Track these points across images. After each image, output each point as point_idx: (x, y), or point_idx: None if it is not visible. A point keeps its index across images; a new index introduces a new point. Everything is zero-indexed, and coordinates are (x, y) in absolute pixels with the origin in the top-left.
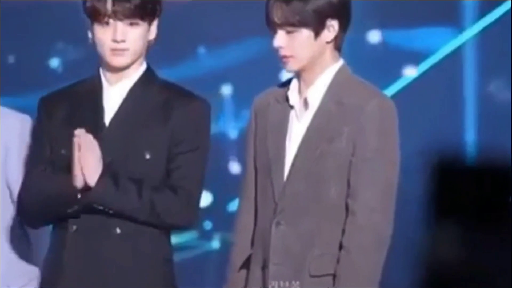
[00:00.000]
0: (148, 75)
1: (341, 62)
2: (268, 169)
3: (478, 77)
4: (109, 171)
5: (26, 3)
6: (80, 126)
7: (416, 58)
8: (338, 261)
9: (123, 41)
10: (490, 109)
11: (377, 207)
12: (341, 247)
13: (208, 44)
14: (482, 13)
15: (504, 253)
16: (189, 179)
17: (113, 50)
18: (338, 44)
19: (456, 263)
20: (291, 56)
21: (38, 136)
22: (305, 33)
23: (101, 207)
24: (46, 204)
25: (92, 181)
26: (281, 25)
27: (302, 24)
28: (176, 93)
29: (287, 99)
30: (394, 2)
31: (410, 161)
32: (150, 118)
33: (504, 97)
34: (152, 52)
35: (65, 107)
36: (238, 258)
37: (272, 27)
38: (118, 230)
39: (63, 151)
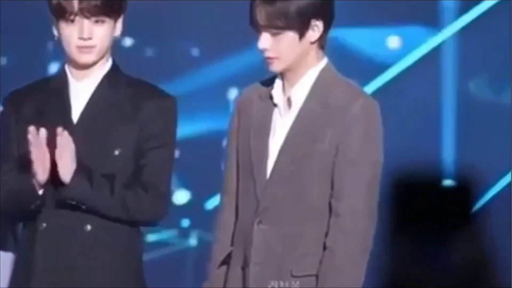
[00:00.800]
0: (114, 71)
1: (325, 61)
2: (251, 167)
3: (456, 77)
4: (82, 167)
5: None
6: (48, 123)
7: (393, 57)
8: (321, 262)
9: (90, 38)
10: (468, 109)
11: (361, 208)
12: (324, 248)
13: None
14: (460, 13)
15: (464, 268)
16: (159, 175)
17: (80, 47)
18: (322, 43)
19: (416, 276)
20: (276, 58)
21: (4, 133)
22: (290, 35)
23: (74, 203)
24: (11, 203)
25: (67, 178)
26: (266, 27)
27: (287, 26)
28: (143, 89)
29: (270, 97)
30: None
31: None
32: (118, 114)
33: (483, 97)
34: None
35: (32, 104)
36: (219, 254)
37: (256, 29)
38: (88, 227)
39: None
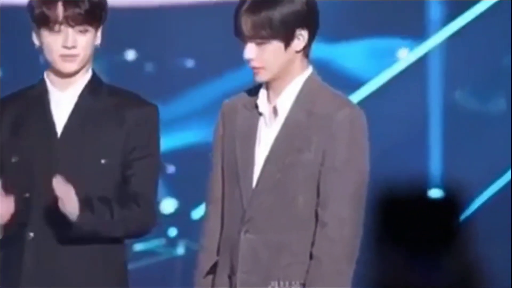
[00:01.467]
0: (95, 80)
1: (310, 70)
2: (236, 176)
3: (443, 86)
4: (82, 200)
5: None
6: (31, 135)
7: (379, 66)
8: (307, 271)
9: (74, 47)
10: (455, 118)
11: (347, 217)
12: (311, 257)
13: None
14: (446, 22)
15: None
16: (148, 185)
17: (64, 56)
18: (307, 52)
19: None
20: (262, 67)
21: None
22: (275, 45)
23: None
24: None
25: (74, 216)
26: (251, 37)
27: (272, 36)
28: (125, 98)
29: (256, 106)
30: (357, 11)
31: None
32: (102, 124)
33: (470, 106)
34: None
35: (13, 115)
36: (205, 263)
37: (241, 39)
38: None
39: (13, 160)
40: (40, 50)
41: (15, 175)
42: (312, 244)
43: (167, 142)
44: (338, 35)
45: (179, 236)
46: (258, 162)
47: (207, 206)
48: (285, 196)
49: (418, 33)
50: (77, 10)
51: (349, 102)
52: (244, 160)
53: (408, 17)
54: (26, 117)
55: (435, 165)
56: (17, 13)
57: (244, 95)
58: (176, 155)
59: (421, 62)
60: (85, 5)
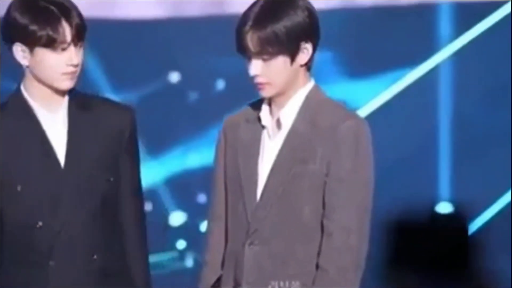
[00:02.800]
0: (74, 94)
1: (312, 82)
2: (240, 190)
3: (452, 100)
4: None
5: None
6: (32, 163)
7: (391, 78)
8: (314, 281)
9: (78, 64)
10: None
11: (353, 227)
12: (317, 267)
13: None
14: (458, 34)
15: None
16: (139, 181)
17: (67, 74)
18: (309, 65)
19: None
20: (268, 83)
21: None
22: (282, 60)
23: None
24: None
25: None
26: (258, 54)
27: (279, 52)
28: (105, 106)
29: (258, 119)
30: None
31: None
32: (97, 140)
33: (479, 120)
34: None
35: (3, 139)
36: (209, 277)
37: (246, 55)
38: (95, 256)
39: (19, 188)
40: (28, 68)
41: (22, 202)
42: (318, 254)
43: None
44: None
45: (188, 248)
46: (261, 175)
47: (209, 222)
48: (290, 207)
49: (428, 47)
50: (79, 29)
51: (353, 113)
52: (247, 173)
53: (418, 31)
54: (20, 140)
55: (444, 179)
56: None
57: (245, 110)
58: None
59: (431, 76)
60: (81, 21)
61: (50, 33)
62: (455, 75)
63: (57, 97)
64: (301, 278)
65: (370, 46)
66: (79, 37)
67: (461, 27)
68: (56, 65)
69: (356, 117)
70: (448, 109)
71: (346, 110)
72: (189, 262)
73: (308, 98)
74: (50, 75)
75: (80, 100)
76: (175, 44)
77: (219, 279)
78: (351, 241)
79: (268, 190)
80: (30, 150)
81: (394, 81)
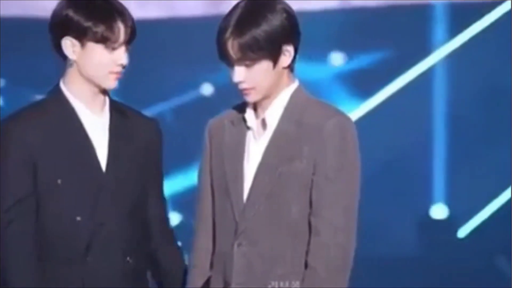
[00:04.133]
0: (111, 99)
1: (296, 83)
2: (226, 191)
3: (448, 99)
4: None
5: None
6: (73, 159)
7: (385, 79)
8: (303, 280)
9: (125, 65)
10: (459, 130)
11: (341, 225)
12: (306, 266)
13: None
14: (452, 35)
15: None
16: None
17: (114, 73)
18: (292, 66)
19: None
20: (252, 88)
21: (12, 166)
22: (264, 64)
23: None
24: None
25: None
26: (240, 60)
27: (261, 57)
28: (137, 117)
29: (243, 120)
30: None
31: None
32: (133, 145)
33: (474, 119)
34: None
35: (42, 131)
36: (198, 280)
37: (228, 62)
38: (129, 259)
39: (59, 181)
40: (72, 63)
41: (62, 196)
42: (307, 253)
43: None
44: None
45: (183, 248)
46: (248, 175)
47: (195, 224)
48: (278, 206)
49: (423, 48)
50: (129, 30)
51: (338, 111)
52: (233, 174)
53: (413, 32)
54: (61, 136)
55: (438, 180)
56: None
57: (229, 112)
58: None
59: (426, 77)
60: (133, 25)
61: (105, 30)
62: (449, 76)
63: (100, 98)
64: (291, 277)
65: (364, 46)
66: (130, 38)
67: (455, 28)
68: (105, 63)
69: (341, 114)
70: (443, 110)
71: (331, 108)
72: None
73: (292, 98)
74: (97, 72)
75: (118, 106)
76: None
77: (207, 281)
78: (338, 238)
79: (255, 190)
80: (71, 147)
81: (388, 82)
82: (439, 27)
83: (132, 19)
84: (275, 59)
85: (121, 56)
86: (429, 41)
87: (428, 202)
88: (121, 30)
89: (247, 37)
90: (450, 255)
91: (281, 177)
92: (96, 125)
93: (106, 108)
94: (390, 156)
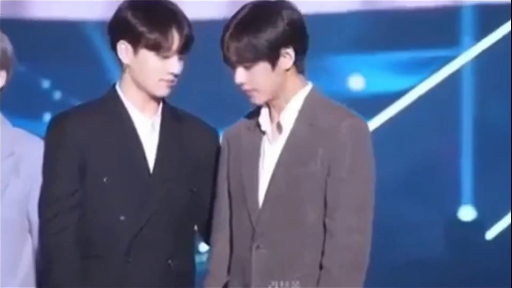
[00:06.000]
0: (167, 105)
1: (310, 85)
2: (243, 196)
3: (475, 100)
4: None
5: None
6: (121, 159)
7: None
8: (318, 281)
9: (178, 74)
10: (487, 132)
11: (355, 226)
12: (321, 267)
13: None
14: (480, 37)
15: None
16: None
17: (165, 81)
18: (300, 67)
19: None
20: (254, 90)
21: (62, 161)
22: (262, 66)
23: None
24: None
25: None
26: (238, 62)
27: (256, 58)
28: (194, 123)
29: (258, 126)
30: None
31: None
32: (184, 151)
33: (502, 120)
34: None
35: (93, 129)
36: (215, 286)
37: (230, 64)
38: (170, 261)
39: (105, 179)
40: (125, 67)
41: (107, 195)
42: (322, 254)
43: None
44: (373, 49)
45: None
46: (263, 179)
47: (213, 233)
48: (294, 209)
49: (452, 48)
50: (186, 40)
51: (351, 113)
52: (249, 179)
53: (442, 32)
54: (112, 136)
55: (466, 183)
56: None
57: (245, 119)
58: None
59: (454, 78)
60: (190, 33)
61: (159, 37)
62: (478, 78)
63: (153, 104)
64: (308, 279)
65: (390, 48)
66: (185, 47)
67: (483, 29)
68: (156, 70)
69: (355, 116)
70: (471, 112)
71: (345, 110)
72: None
73: (307, 101)
74: (148, 79)
75: (172, 111)
76: None
77: (225, 286)
78: (353, 239)
79: (271, 193)
80: (121, 148)
81: (417, 84)
82: (467, 29)
83: (189, 27)
84: (273, 62)
85: (173, 64)
86: (457, 43)
87: (456, 204)
88: (175, 38)
89: (243, 42)
90: (478, 257)
91: (297, 179)
92: (148, 128)
93: (159, 112)
94: (418, 158)
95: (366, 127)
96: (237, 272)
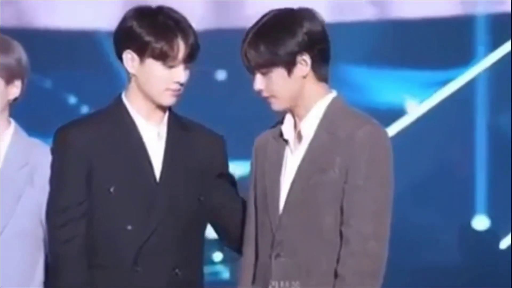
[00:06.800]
0: (173, 113)
1: (333, 94)
2: (265, 204)
3: (489, 110)
4: None
5: None
6: (128, 168)
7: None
8: None
9: (183, 83)
10: (501, 142)
11: (371, 233)
12: (336, 275)
13: None
14: (494, 46)
15: None
16: None
17: (171, 90)
18: (320, 75)
19: None
20: (272, 96)
21: (68, 172)
22: (278, 72)
23: None
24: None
25: None
26: (255, 68)
27: (272, 64)
28: (199, 130)
29: (281, 135)
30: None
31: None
32: (191, 160)
33: None
34: None
35: (100, 138)
36: None
37: (250, 71)
38: (177, 271)
39: (112, 189)
40: (131, 76)
41: (113, 204)
42: (337, 261)
43: None
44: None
45: (224, 260)
46: (284, 188)
47: (244, 244)
48: (313, 217)
49: (466, 57)
50: (192, 49)
51: (370, 120)
52: (271, 188)
53: (456, 42)
54: (119, 145)
55: (480, 190)
56: None
57: (274, 127)
58: None
59: (468, 87)
60: (196, 42)
61: (165, 47)
62: (492, 88)
63: (159, 113)
64: (328, 286)
65: (404, 58)
66: (191, 57)
67: (498, 39)
68: (162, 79)
69: (372, 123)
70: (485, 121)
71: (363, 117)
72: (225, 275)
73: (328, 109)
74: (154, 88)
75: (178, 120)
76: None
77: None
78: (368, 247)
79: (289, 202)
80: (127, 157)
81: (431, 93)
82: (481, 38)
83: (194, 36)
84: (289, 68)
85: (179, 74)
86: (471, 53)
87: (471, 213)
88: (180, 47)
89: (260, 48)
90: (492, 265)
91: (315, 187)
92: (154, 137)
93: (164, 121)
94: (432, 168)
95: (384, 134)
96: (260, 279)
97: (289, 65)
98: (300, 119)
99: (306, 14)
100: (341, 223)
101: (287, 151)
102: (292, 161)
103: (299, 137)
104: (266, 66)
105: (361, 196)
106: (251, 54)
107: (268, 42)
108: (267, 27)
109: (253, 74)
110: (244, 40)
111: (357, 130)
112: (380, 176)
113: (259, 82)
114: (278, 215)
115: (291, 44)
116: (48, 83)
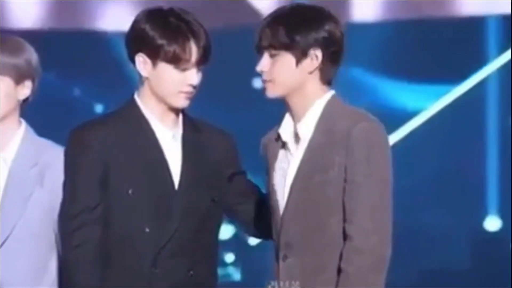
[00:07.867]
0: (185, 114)
1: (331, 93)
2: (272, 206)
3: (501, 111)
4: None
5: None
6: (145, 171)
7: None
8: (337, 284)
9: (196, 86)
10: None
11: (372, 229)
12: (339, 271)
13: None
14: (505, 47)
15: None
16: None
17: (184, 93)
18: (325, 77)
19: None
20: (270, 81)
21: (84, 174)
22: (286, 58)
23: None
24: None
25: None
26: (266, 48)
27: (284, 47)
28: (211, 130)
29: (279, 136)
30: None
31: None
32: (206, 161)
33: None
34: None
35: (115, 139)
36: None
37: (259, 51)
38: (191, 272)
39: (130, 191)
40: (144, 79)
41: (132, 206)
42: (340, 258)
43: None
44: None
45: (236, 261)
46: (286, 189)
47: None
48: (316, 217)
49: (476, 60)
50: (204, 51)
51: (366, 117)
52: (275, 189)
53: (466, 44)
54: (135, 148)
55: (492, 192)
56: None
57: (275, 128)
58: None
59: (479, 88)
60: (208, 44)
61: (177, 50)
62: (503, 88)
63: (172, 114)
64: (330, 284)
65: (417, 59)
66: (203, 59)
67: (508, 40)
68: (175, 82)
69: (368, 120)
70: (496, 122)
71: (359, 115)
72: (236, 276)
73: (326, 108)
74: (167, 91)
75: (191, 121)
76: None
77: None
78: (370, 241)
79: (291, 202)
80: (144, 159)
81: (442, 94)
82: (492, 40)
83: (206, 39)
84: (298, 57)
85: (191, 76)
86: (482, 54)
87: (482, 214)
88: (192, 50)
89: (277, 31)
90: (503, 267)
91: (316, 187)
92: (169, 139)
93: (179, 122)
94: (444, 169)
95: (380, 130)
96: (273, 279)
97: (300, 55)
98: (297, 120)
99: (332, 17)
100: (344, 221)
101: (286, 153)
102: (292, 162)
103: (296, 138)
104: (277, 48)
105: (361, 192)
106: (266, 33)
107: (289, 26)
108: (293, 13)
109: (261, 53)
110: (265, 19)
111: (353, 128)
112: (378, 172)
113: (264, 62)
114: (280, 216)
115: (310, 36)
116: (61, 83)
